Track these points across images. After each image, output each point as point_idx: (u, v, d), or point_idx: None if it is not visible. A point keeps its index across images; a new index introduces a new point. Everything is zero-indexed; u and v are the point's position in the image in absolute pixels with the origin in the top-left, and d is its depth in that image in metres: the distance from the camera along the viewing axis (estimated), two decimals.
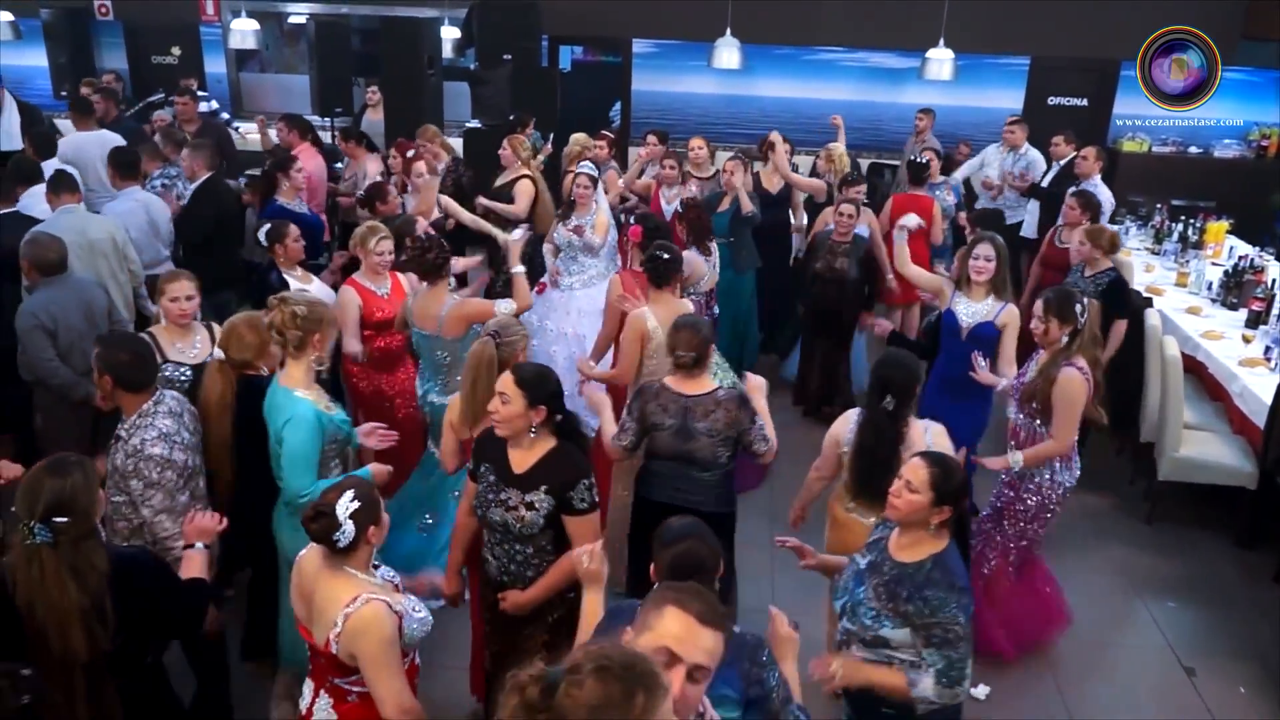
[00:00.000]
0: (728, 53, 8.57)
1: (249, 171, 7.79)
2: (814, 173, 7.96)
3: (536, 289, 6.08)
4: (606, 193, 6.93)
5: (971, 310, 4.81)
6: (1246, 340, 5.99)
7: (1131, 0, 9.28)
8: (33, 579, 2.49)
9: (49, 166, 5.96)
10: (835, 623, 3.04)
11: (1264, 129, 9.89)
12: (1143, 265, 7.53)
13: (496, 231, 6.35)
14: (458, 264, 5.40)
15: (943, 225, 6.88)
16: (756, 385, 3.89)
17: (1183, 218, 8.11)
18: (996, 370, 4.67)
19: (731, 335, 6.49)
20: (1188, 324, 6.31)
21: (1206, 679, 4.36)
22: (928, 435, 3.59)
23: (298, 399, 3.44)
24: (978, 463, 4.35)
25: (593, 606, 2.68)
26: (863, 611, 2.83)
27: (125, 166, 5.92)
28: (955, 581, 2.71)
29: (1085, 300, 4.14)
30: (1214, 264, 7.34)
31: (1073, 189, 6.81)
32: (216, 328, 4.07)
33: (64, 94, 11.03)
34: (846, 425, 3.72)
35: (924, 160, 7.20)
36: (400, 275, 4.97)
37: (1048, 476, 4.14)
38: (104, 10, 11.21)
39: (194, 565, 2.91)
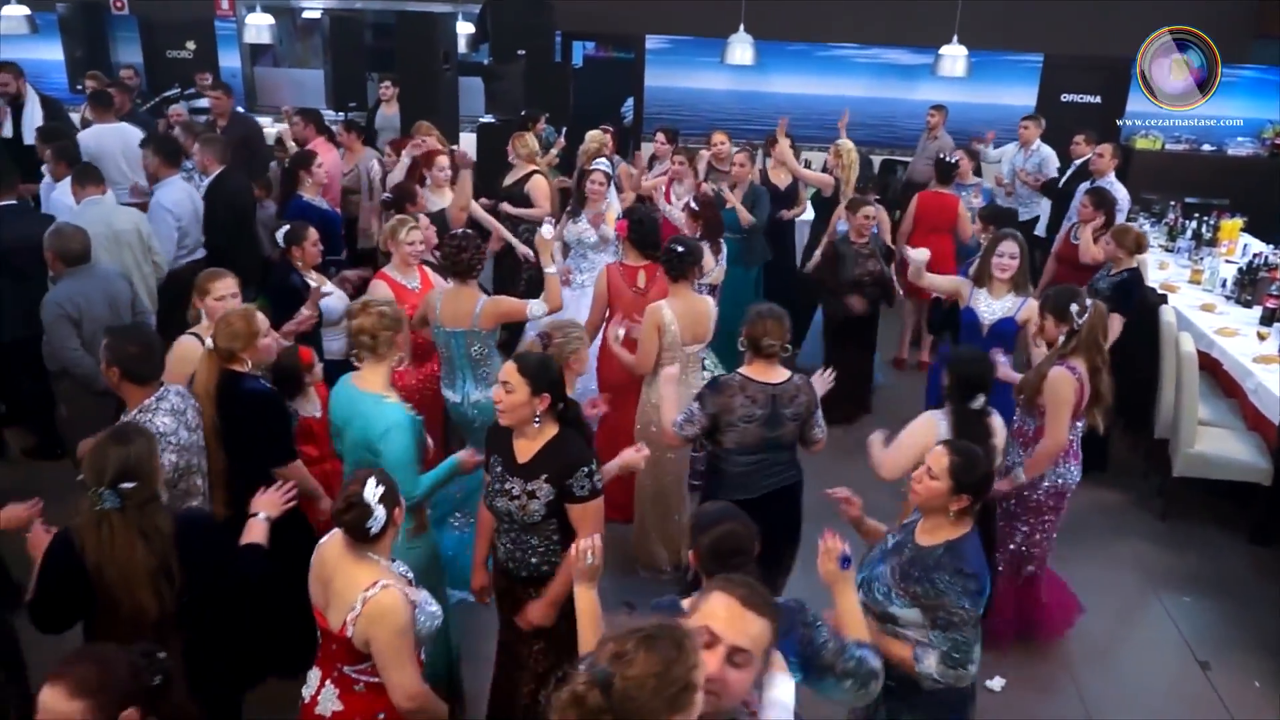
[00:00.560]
0: (741, 49, 8.61)
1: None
2: (824, 169, 7.98)
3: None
4: (620, 191, 6.96)
5: (992, 306, 4.86)
6: (1261, 337, 6.00)
7: None
8: (102, 542, 2.63)
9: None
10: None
11: (1277, 127, 9.88)
12: (1156, 263, 7.53)
13: (516, 241, 6.40)
14: None
15: (970, 225, 6.88)
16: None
17: (1196, 215, 8.11)
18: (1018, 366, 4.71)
19: (735, 329, 6.49)
20: (1202, 321, 6.32)
21: (1221, 673, 4.38)
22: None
23: (389, 405, 3.43)
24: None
25: (586, 604, 2.63)
26: (877, 587, 2.92)
27: (170, 155, 6.02)
28: (963, 568, 2.77)
29: (1089, 302, 4.15)
30: (1228, 261, 7.34)
31: (1087, 186, 6.82)
32: None
33: (80, 88, 11.09)
34: (935, 430, 3.63)
35: (954, 160, 7.22)
36: (429, 270, 4.98)
37: (1051, 477, 4.17)
38: (119, 5, 11.28)
39: (254, 532, 3.04)
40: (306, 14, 11.92)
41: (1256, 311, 6.35)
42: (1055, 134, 8.25)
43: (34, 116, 7.19)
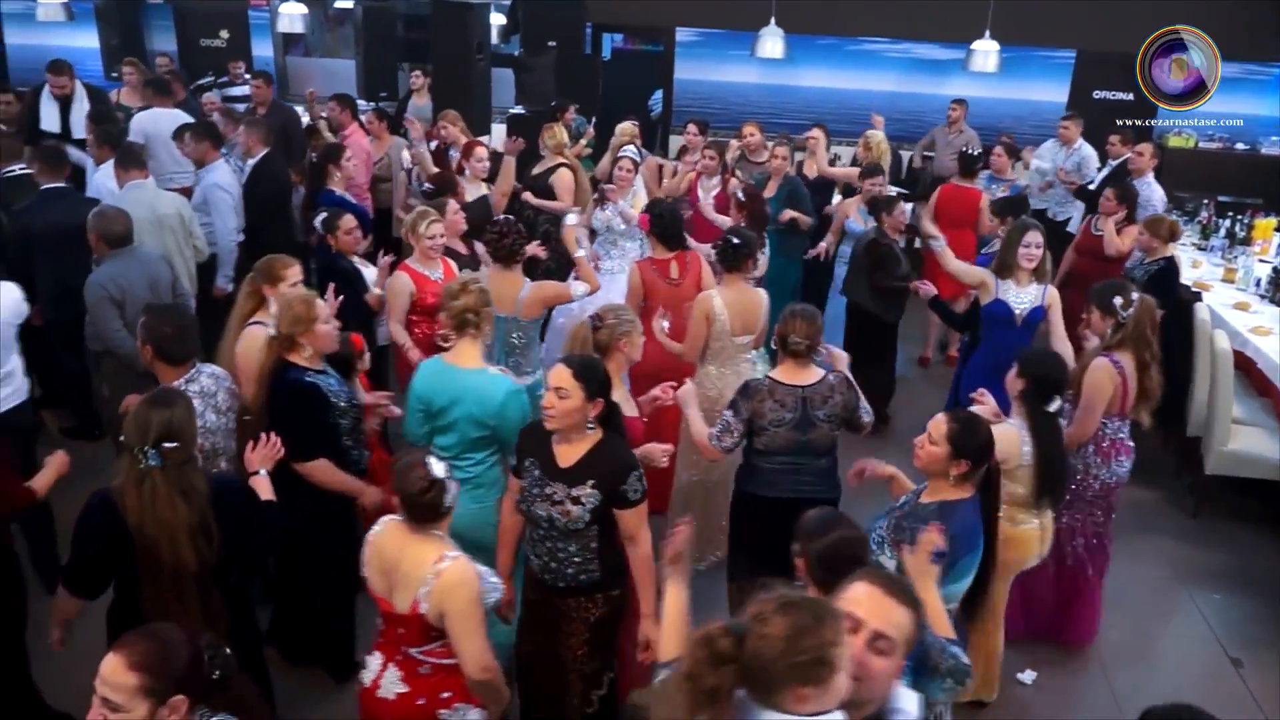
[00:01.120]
0: (772, 42, 8.60)
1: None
2: (855, 162, 7.97)
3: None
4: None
5: (1020, 297, 4.88)
6: None
7: None
8: (144, 500, 2.74)
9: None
10: None
11: None
12: (1189, 261, 7.48)
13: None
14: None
15: (990, 219, 6.85)
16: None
17: (1230, 214, 8.04)
18: (1052, 348, 4.72)
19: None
20: (1236, 319, 6.27)
21: (1253, 670, 4.37)
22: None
23: (498, 377, 3.56)
24: None
25: (678, 605, 2.49)
26: (873, 537, 3.00)
27: (216, 140, 6.18)
28: (949, 528, 2.78)
29: (1135, 296, 4.14)
30: (1262, 260, 7.28)
31: (1111, 180, 6.80)
32: None
33: (115, 74, 11.22)
34: (1015, 438, 3.59)
35: (975, 152, 7.19)
36: (450, 260, 5.00)
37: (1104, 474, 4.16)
38: None
39: (262, 488, 3.12)
40: (338, 4, 12.00)
41: None
42: (1087, 131, 8.19)
43: (82, 111, 7.30)
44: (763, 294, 4.75)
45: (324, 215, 4.97)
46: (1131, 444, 4.24)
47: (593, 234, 6.18)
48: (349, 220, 4.93)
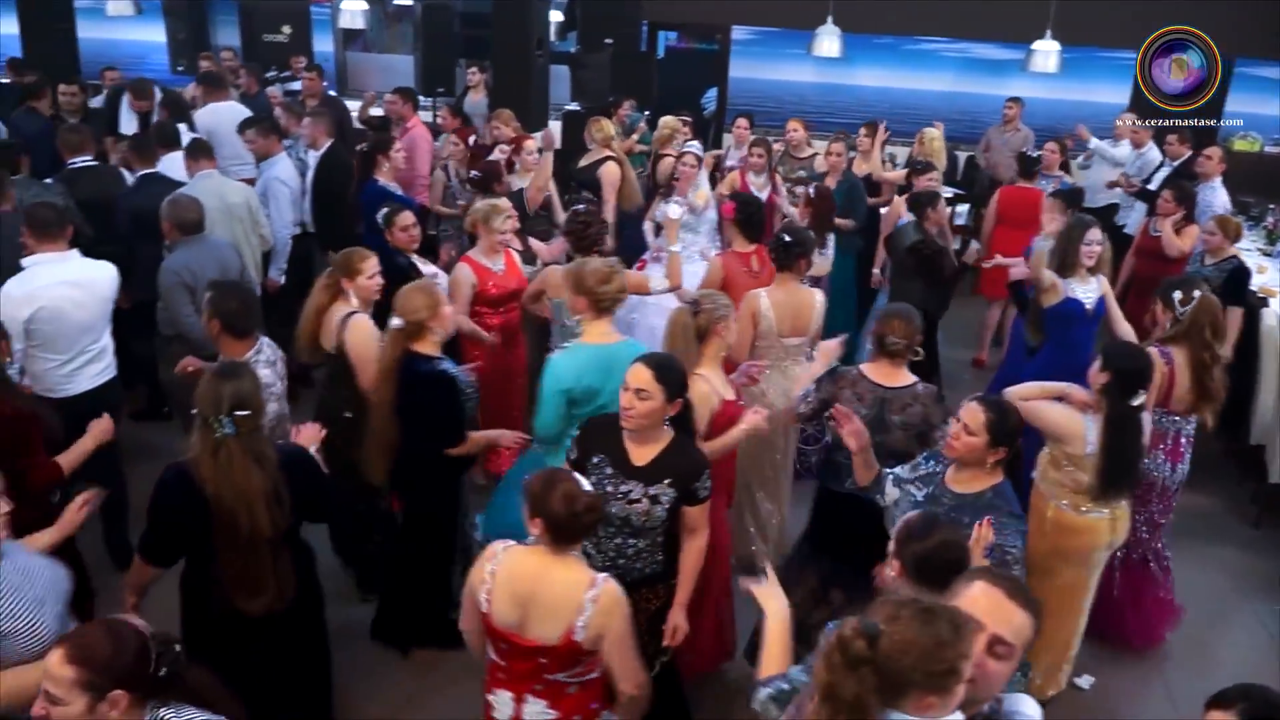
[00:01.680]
0: (829, 41, 8.55)
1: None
2: (910, 161, 7.92)
3: (637, 266, 6.16)
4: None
5: (1086, 292, 4.89)
6: None
7: None
8: (219, 468, 2.82)
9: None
10: None
11: None
12: (1255, 266, 7.31)
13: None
14: (541, 250, 5.40)
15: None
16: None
17: None
18: (1115, 334, 4.83)
19: (841, 321, 6.47)
20: None
21: None
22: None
23: (636, 342, 3.75)
24: None
25: (781, 619, 2.42)
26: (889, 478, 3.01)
27: (281, 134, 6.30)
28: (1013, 509, 2.84)
29: (1195, 293, 4.11)
30: None
31: (1169, 181, 6.70)
32: None
33: (180, 68, 11.50)
34: (1080, 421, 3.60)
35: (1035, 154, 7.11)
36: (513, 252, 5.05)
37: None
38: None
39: None
40: (397, 1, 12.17)
41: None
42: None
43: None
44: (817, 294, 4.69)
45: (384, 210, 4.96)
46: (1184, 451, 4.21)
47: (656, 227, 6.22)
48: (407, 217, 4.93)
